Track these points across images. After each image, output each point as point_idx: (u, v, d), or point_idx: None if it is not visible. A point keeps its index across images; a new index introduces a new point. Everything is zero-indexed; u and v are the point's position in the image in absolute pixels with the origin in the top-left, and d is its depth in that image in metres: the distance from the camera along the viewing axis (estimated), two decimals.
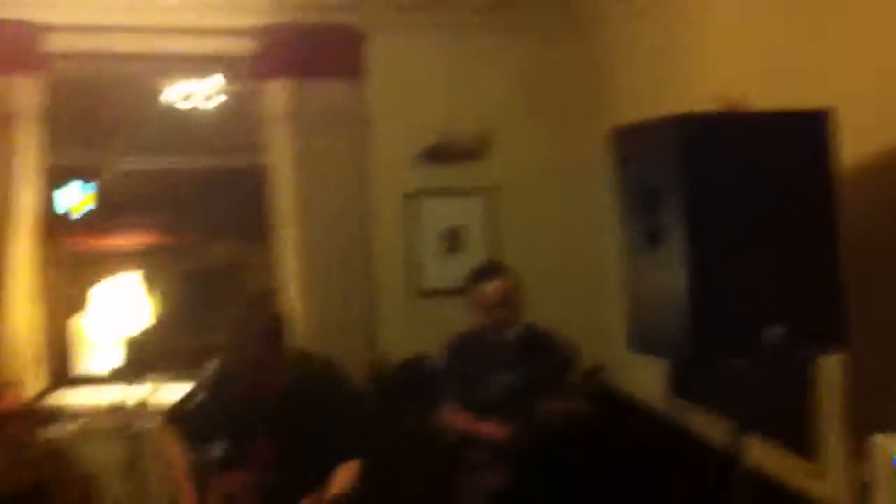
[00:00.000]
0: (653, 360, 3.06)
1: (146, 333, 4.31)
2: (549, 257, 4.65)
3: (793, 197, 2.20)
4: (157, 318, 4.35)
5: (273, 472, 3.13)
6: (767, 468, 3.02)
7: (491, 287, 3.71)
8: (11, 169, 4.26)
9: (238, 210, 4.93)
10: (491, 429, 3.60)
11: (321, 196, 4.54)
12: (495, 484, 3.59)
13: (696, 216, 2.14)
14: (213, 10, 4.48)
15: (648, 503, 3.79)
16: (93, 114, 4.79)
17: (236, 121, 4.86)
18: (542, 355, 3.67)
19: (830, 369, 2.78)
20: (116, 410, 4.22)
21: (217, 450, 3.18)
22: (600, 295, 4.54)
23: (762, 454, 2.98)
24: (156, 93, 4.89)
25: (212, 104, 4.91)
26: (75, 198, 4.94)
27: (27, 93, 4.29)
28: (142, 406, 4.06)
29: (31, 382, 4.32)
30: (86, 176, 4.97)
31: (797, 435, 2.99)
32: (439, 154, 4.68)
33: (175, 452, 3.30)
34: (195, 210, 5.05)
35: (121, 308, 4.21)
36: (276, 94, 4.52)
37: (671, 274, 2.19)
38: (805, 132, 2.22)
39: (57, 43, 4.37)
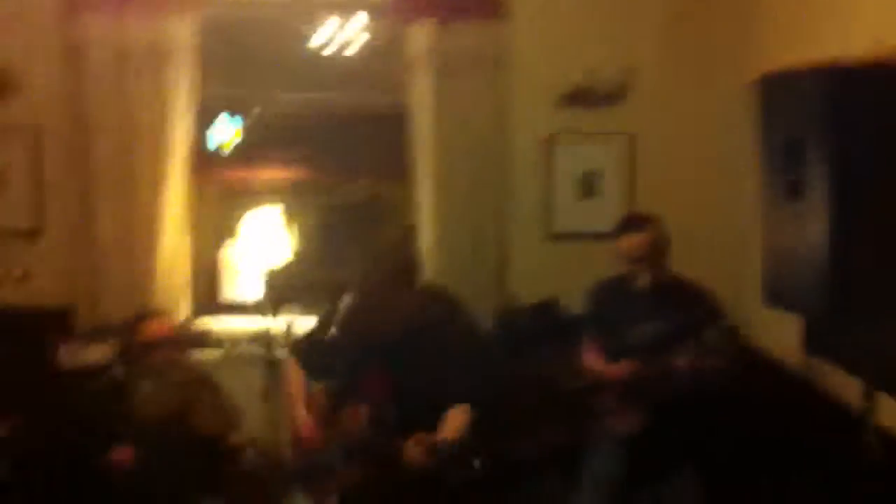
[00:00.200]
0: (787, 316, 2.98)
1: (286, 266, 4.47)
2: (684, 207, 4.45)
3: None
4: (297, 252, 4.50)
5: (390, 407, 3.14)
6: None
7: (636, 240, 3.66)
8: (165, 105, 4.47)
9: (378, 149, 5.05)
10: (625, 371, 3.59)
11: (459, 137, 4.57)
12: (627, 428, 3.59)
13: (841, 170, 2.09)
14: None
15: (779, 461, 3.73)
16: (243, 54, 4.96)
17: (379, 62, 4.96)
18: (685, 307, 3.61)
19: None
20: (257, 338, 4.40)
21: (338, 383, 3.26)
22: (735, 248, 4.44)
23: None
24: (302, 35, 5.03)
25: (355, 47, 5.01)
26: (225, 135, 5.15)
27: (181, 32, 4.46)
28: (280, 336, 4.23)
29: (180, 309, 4.59)
30: (234, 110, 5.17)
31: None
32: (580, 97, 4.63)
33: (297, 384, 3.40)
34: (337, 148, 5.17)
35: (265, 240, 4.38)
36: (418, 36, 4.56)
37: (811, 228, 2.16)
38: None
39: None
